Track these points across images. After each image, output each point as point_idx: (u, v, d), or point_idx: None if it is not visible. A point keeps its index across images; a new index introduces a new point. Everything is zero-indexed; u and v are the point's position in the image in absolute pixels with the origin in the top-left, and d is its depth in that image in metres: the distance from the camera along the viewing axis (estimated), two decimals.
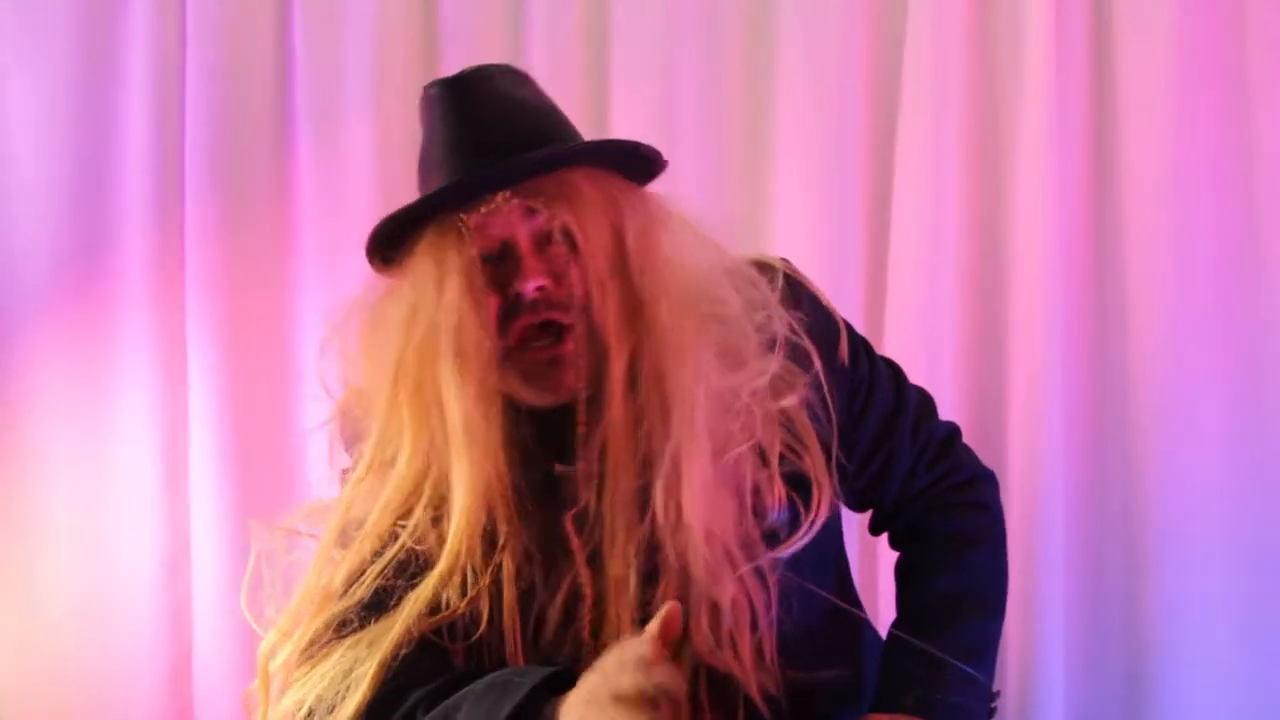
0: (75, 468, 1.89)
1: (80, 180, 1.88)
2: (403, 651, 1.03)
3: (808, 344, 1.09)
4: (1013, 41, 1.76)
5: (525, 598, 1.06)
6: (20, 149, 1.87)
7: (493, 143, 1.05)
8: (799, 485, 1.07)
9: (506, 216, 1.04)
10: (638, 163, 1.09)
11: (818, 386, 1.09)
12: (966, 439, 1.31)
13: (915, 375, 1.28)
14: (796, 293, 1.14)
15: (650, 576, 1.02)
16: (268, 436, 1.90)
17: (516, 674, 0.98)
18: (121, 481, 1.89)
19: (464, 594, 1.04)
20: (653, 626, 0.91)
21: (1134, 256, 1.76)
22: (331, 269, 1.87)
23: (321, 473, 1.27)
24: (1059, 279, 1.73)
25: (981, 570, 1.22)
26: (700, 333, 1.05)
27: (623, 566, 1.02)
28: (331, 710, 1.02)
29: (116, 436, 1.89)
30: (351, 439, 1.17)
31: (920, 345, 1.76)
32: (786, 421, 1.07)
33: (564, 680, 0.95)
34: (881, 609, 1.70)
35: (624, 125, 1.85)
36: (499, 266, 1.05)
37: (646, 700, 0.87)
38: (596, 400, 1.04)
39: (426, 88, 1.11)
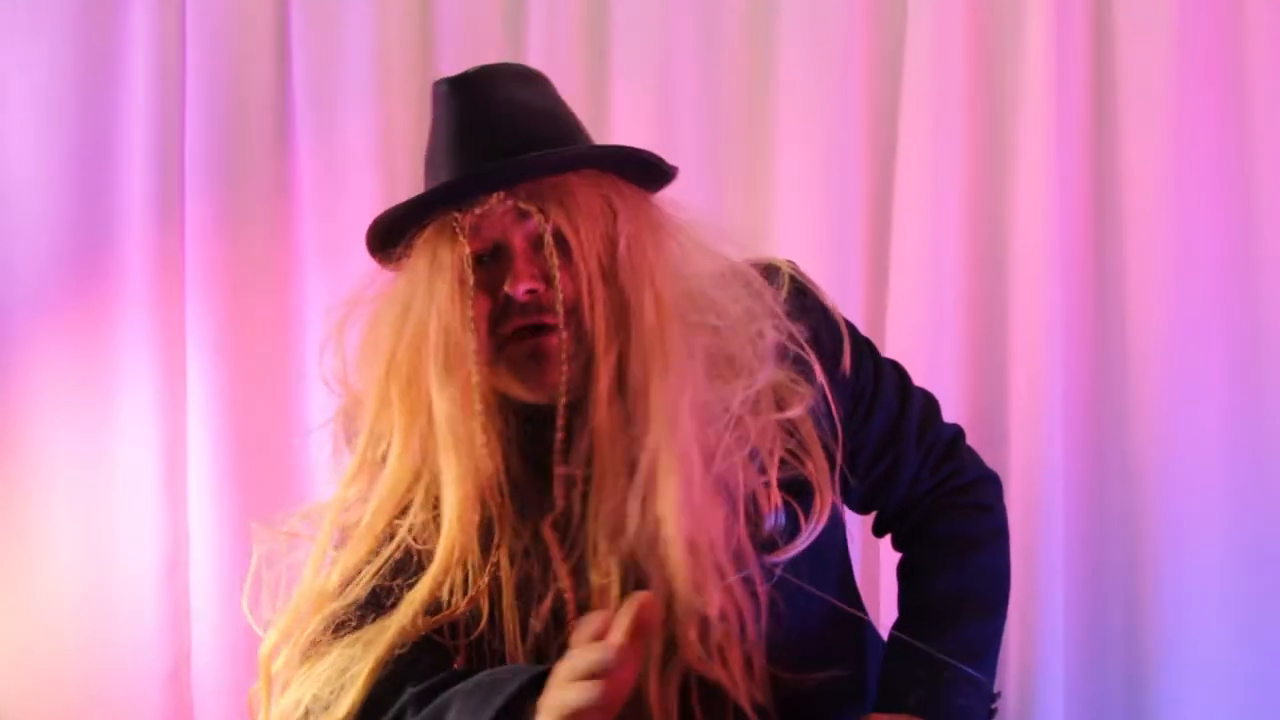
0: (75, 468, 1.89)
1: (80, 180, 1.88)
2: (398, 651, 1.03)
3: (810, 352, 1.09)
4: (1013, 42, 1.76)
5: (522, 597, 1.06)
6: (20, 149, 1.88)
7: (493, 143, 1.04)
8: (800, 491, 1.07)
9: (500, 218, 1.04)
10: (644, 169, 1.09)
11: (821, 393, 1.09)
12: (967, 439, 1.30)
13: (916, 376, 1.27)
14: (802, 298, 1.13)
15: (640, 585, 1.01)
16: (267, 436, 1.90)
17: (505, 673, 0.98)
18: (121, 481, 1.89)
19: (464, 593, 1.05)
20: (622, 616, 0.91)
21: (1134, 257, 1.76)
22: (331, 269, 1.87)
23: (322, 473, 1.28)
24: (1059, 279, 1.73)
25: (984, 571, 1.22)
26: (688, 341, 1.04)
27: (604, 576, 1.02)
28: (327, 709, 1.02)
29: (116, 437, 1.89)
30: (352, 438, 1.17)
31: (921, 345, 1.76)
32: (791, 427, 1.07)
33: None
34: (883, 609, 1.71)
35: (623, 124, 1.85)
36: (492, 267, 1.05)
37: (583, 679, 0.89)
38: (583, 405, 1.04)
39: (436, 84, 1.10)
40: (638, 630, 0.90)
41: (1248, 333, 1.74)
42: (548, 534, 1.05)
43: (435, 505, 1.05)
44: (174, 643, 1.89)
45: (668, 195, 1.13)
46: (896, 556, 1.30)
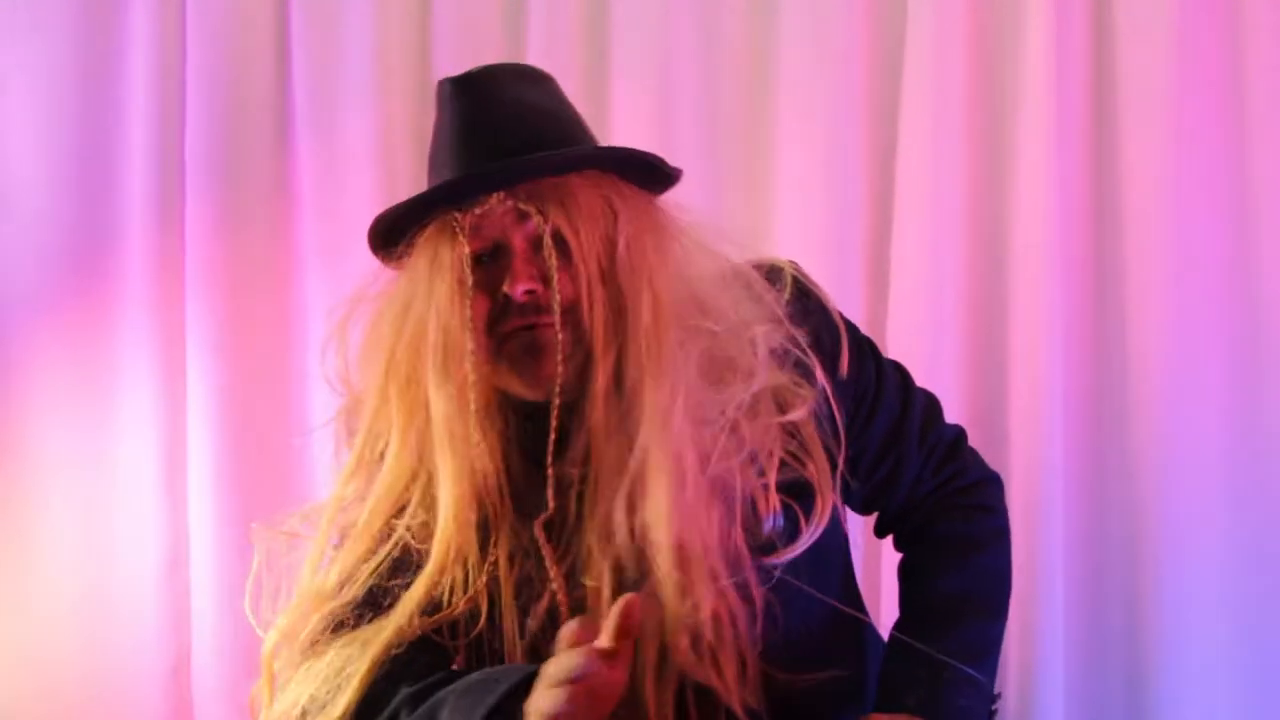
0: (75, 468, 1.89)
1: (80, 180, 1.88)
2: (394, 651, 1.03)
3: (812, 355, 1.09)
4: (1013, 42, 1.76)
5: (521, 597, 1.06)
6: (20, 148, 1.87)
7: (496, 144, 1.05)
8: (801, 493, 1.07)
9: (500, 218, 1.04)
10: (647, 170, 1.09)
11: (823, 395, 1.09)
12: (968, 440, 1.30)
13: (916, 376, 1.27)
14: (804, 300, 1.13)
15: (634, 586, 1.00)
16: (267, 436, 1.90)
17: (498, 673, 0.98)
18: (121, 481, 1.89)
19: (463, 592, 1.05)
20: (610, 618, 0.90)
21: (1134, 257, 1.76)
22: (331, 269, 1.87)
23: (323, 473, 1.28)
24: (1059, 279, 1.73)
25: (985, 572, 1.22)
26: (684, 344, 1.04)
27: (596, 578, 1.02)
28: (323, 709, 1.02)
29: (116, 436, 1.89)
30: (353, 437, 1.17)
31: (921, 345, 1.76)
32: (792, 429, 1.07)
33: None
34: (884, 610, 1.71)
35: (623, 124, 1.85)
36: (492, 267, 1.05)
37: (561, 684, 0.89)
38: (580, 405, 1.04)
39: (441, 83, 1.11)
40: (624, 633, 0.90)
41: (1247, 333, 1.74)
42: (539, 534, 1.05)
43: (433, 505, 1.05)
44: (174, 643, 1.89)
45: (670, 197, 1.13)
46: (898, 557, 1.29)
